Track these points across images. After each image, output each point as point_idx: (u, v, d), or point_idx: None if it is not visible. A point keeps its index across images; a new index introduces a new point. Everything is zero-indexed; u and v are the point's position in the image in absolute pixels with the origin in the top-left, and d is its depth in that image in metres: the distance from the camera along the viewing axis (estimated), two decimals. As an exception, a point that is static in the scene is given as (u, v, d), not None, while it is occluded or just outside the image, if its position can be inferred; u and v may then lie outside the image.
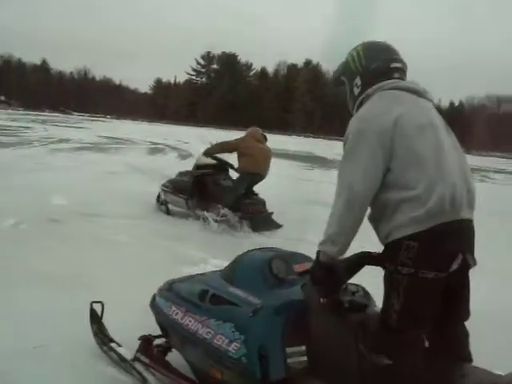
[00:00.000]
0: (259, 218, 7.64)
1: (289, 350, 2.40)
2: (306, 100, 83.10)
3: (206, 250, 5.94)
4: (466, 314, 2.38)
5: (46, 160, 14.27)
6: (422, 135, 2.19)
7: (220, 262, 4.39)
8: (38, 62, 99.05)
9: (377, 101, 2.31)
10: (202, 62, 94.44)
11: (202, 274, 3.13)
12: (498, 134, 75.42)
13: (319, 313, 2.45)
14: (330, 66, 74.23)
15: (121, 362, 3.12)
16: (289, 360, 2.39)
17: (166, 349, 3.10)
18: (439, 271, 2.11)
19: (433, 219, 2.09)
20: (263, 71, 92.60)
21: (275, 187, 9.49)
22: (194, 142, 29.84)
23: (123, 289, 4.17)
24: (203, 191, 8.02)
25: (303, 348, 2.41)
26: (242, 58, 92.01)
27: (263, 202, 7.97)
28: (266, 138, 8.37)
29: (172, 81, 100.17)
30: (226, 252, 4.73)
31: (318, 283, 2.36)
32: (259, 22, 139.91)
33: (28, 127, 32.40)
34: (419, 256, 2.09)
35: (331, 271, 2.26)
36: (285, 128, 76.91)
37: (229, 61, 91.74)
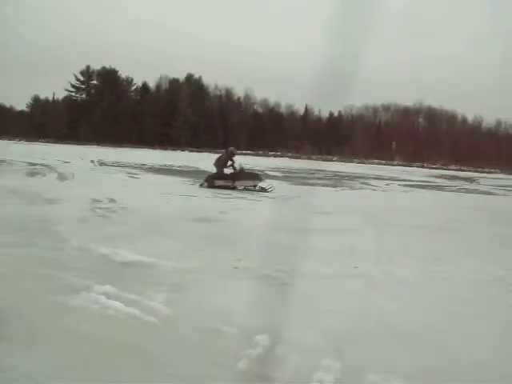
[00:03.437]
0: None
1: None
2: (188, 114, 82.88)
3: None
4: None
5: None
6: None
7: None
8: None
9: None
10: (82, 77, 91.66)
11: None
12: (375, 142, 79.30)
13: None
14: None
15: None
16: None
17: None
18: None
19: None
20: (144, 86, 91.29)
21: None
22: (75, 161, 28.91)
23: None
24: None
25: None
26: (123, 73, 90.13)
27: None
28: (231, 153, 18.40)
29: (50, 98, 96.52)
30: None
31: None
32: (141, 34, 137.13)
33: None
34: None
35: None
36: (169, 143, 76.35)
37: (109, 76, 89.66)
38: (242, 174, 17.94)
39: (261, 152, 73.12)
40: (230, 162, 18.02)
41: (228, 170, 18.04)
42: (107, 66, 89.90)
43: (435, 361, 3.92)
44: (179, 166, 31.11)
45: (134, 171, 24.44)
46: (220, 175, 18.00)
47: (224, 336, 4.18)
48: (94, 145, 68.69)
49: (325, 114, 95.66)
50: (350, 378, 3.57)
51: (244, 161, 40.96)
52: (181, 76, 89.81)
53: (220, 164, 18.06)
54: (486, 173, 59.97)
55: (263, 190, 17.44)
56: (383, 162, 70.30)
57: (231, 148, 18.93)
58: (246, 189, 17.51)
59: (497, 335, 4.62)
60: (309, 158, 68.07)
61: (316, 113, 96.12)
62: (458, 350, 4.15)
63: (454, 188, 28.04)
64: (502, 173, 60.86)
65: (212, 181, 17.82)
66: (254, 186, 17.58)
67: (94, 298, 4.83)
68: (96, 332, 4.13)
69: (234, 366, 3.67)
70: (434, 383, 3.60)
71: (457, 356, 4.03)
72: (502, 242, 9.91)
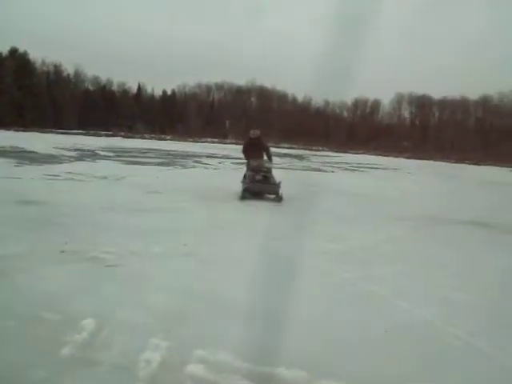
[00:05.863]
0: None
1: None
2: (13, 91, 78.01)
3: None
4: None
5: None
6: None
7: None
8: None
9: None
10: None
11: None
12: (209, 121, 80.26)
13: None
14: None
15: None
16: None
17: None
18: None
19: None
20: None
21: None
22: None
23: None
24: None
25: None
26: None
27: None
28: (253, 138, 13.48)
29: None
30: None
31: None
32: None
33: None
34: None
35: None
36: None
37: None
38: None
39: (92, 131, 70.88)
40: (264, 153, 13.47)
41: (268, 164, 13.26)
42: None
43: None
44: (2, 147, 29.10)
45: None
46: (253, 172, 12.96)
47: (47, 323, 4.05)
48: None
49: (158, 93, 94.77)
50: (177, 355, 3.61)
51: (74, 141, 39.47)
52: (4, 50, 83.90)
53: (248, 155, 13.44)
54: (315, 151, 63.10)
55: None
56: (216, 140, 71.54)
57: (252, 131, 13.64)
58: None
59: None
60: (142, 138, 67.42)
61: (149, 91, 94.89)
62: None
63: (285, 165, 29.13)
64: (329, 150, 64.50)
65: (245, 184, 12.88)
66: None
67: None
68: None
69: (58, 352, 3.57)
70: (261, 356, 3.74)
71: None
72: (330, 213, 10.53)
